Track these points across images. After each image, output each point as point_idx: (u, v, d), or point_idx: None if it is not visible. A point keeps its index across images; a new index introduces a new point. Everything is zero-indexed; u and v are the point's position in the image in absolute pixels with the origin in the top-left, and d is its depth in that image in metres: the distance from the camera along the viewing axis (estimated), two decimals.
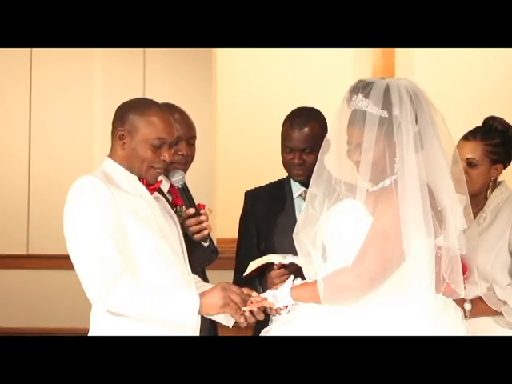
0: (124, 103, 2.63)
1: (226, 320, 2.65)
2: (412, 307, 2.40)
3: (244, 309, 2.48)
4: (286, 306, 2.51)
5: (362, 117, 2.42)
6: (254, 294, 2.55)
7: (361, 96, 2.43)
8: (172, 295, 2.46)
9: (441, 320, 2.43)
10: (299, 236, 2.53)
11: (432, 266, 2.45)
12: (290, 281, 2.55)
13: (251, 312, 2.49)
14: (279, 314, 2.52)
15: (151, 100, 2.66)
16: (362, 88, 2.44)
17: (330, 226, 2.49)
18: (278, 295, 2.52)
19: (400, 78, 2.54)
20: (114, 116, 2.62)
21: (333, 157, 2.52)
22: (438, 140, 2.45)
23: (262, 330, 2.56)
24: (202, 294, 2.47)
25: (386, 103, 2.41)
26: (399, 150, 2.41)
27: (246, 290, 2.53)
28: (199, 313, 2.45)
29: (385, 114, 2.41)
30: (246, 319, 2.49)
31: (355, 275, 2.37)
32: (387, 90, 2.42)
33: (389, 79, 2.49)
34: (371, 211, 2.44)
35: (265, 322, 2.59)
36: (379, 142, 2.41)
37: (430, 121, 2.44)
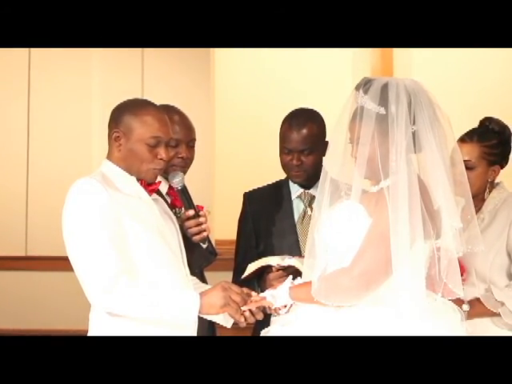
0: (119, 105, 2.63)
1: (224, 321, 2.64)
2: (408, 308, 2.38)
3: (243, 308, 2.47)
4: (285, 306, 2.51)
5: (361, 112, 2.42)
6: (254, 293, 2.55)
7: (361, 92, 2.43)
8: (172, 295, 2.45)
9: (440, 321, 2.42)
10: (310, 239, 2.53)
11: (425, 266, 2.44)
12: (289, 280, 2.54)
13: (251, 311, 2.49)
14: (278, 314, 2.52)
15: (146, 100, 2.65)
16: (363, 84, 2.45)
17: (329, 228, 2.49)
18: (276, 295, 2.51)
19: (407, 78, 2.52)
20: (110, 118, 2.62)
21: (335, 156, 2.51)
22: (437, 142, 2.43)
23: (262, 331, 2.55)
24: (202, 294, 2.46)
25: (383, 100, 2.40)
26: (394, 148, 2.41)
27: (245, 290, 2.53)
28: (200, 313, 2.44)
29: (382, 110, 2.41)
30: (245, 319, 2.49)
31: (352, 276, 2.36)
32: (385, 87, 2.42)
33: (392, 78, 2.49)
34: (371, 213, 2.44)
35: (264, 322, 2.59)
36: (374, 139, 2.41)
37: (430, 122, 2.43)
